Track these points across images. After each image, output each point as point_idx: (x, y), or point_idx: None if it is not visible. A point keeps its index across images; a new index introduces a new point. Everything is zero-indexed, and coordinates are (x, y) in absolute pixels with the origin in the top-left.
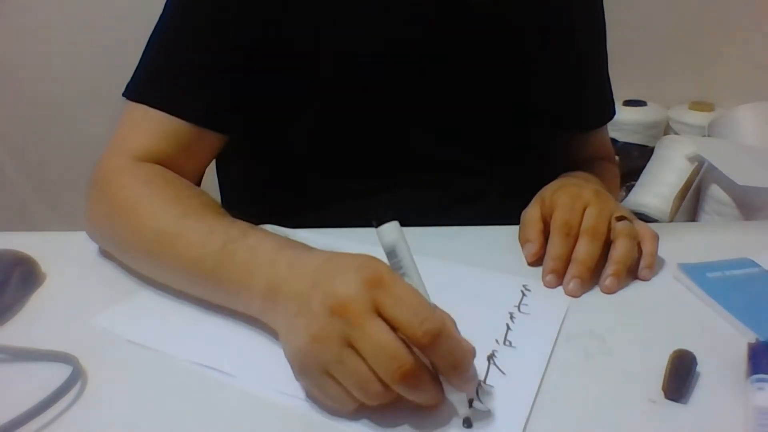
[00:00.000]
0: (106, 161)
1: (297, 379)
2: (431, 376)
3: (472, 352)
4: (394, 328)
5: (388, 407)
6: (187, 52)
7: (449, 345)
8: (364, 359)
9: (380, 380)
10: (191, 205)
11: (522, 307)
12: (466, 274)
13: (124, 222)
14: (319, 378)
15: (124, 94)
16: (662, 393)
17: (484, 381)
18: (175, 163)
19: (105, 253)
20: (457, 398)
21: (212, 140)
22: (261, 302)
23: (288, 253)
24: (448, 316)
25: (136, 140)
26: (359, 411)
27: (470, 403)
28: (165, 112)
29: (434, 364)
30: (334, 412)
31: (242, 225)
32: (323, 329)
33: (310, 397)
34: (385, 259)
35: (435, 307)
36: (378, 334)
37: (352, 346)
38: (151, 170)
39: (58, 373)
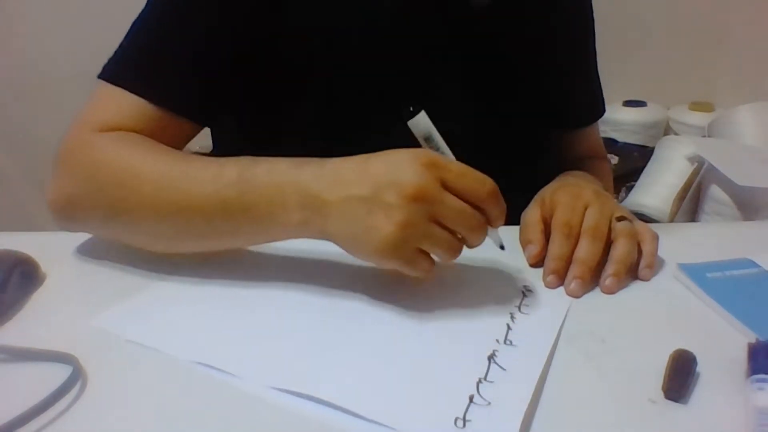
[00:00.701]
0: (72, 136)
1: (381, 265)
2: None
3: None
4: (460, 196)
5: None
6: (166, 41)
7: (500, 197)
8: (446, 227)
9: (458, 238)
10: (181, 151)
11: (523, 308)
12: (466, 274)
13: (113, 180)
14: (411, 255)
15: (99, 76)
16: (662, 393)
17: (485, 379)
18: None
19: (105, 253)
20: (494, 236)
21: (181, 127)
22: (300, 215)
23: (308, 167)
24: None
25: (105, 116)
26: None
27: (470, 399)
28: (136, 94)
29: (492, 212)
30: (419, 280)
31: (247, 156)
32: (409, 216)
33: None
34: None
35: None
36: (456, 204)
37: (435, 220)
38: (125, 134)
39: (58, 373)
